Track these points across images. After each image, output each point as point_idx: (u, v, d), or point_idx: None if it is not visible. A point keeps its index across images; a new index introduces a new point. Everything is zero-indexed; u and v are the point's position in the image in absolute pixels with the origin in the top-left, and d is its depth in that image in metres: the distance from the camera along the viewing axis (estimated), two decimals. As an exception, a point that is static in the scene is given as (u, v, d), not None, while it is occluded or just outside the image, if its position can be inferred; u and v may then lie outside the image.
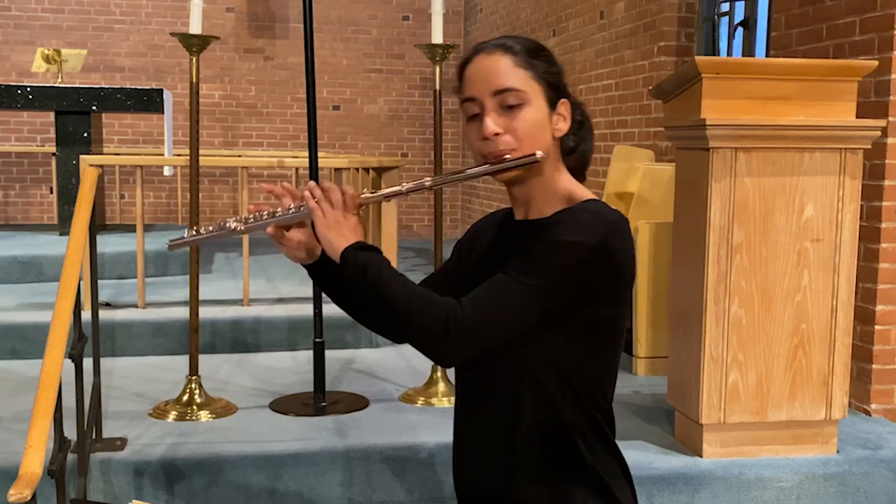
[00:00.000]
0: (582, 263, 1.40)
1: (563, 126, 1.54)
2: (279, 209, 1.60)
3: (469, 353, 1.44)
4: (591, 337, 1.49)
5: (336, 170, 5.07)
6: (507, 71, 1.49)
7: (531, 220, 1.56)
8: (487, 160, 1.51)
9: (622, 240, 1.45)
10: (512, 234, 1.59)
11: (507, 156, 1.49)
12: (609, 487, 1.53)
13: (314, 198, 1.54)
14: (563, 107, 1.54)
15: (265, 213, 1.60)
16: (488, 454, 1.55)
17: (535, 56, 1.52)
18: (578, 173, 1.60)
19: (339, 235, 1.51)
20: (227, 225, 1.62)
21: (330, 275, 1.66)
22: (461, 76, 1.56)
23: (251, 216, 1.61)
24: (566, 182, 1.56)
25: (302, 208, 1.58)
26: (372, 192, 1.60)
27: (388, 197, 1.60)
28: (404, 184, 1.57)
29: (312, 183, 1.57)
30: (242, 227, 1.60)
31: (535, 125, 1.50)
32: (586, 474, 1.51)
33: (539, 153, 1.48)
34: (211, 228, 1.65)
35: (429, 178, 1.58)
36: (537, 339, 1.45)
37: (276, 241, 1.62)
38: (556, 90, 1.53)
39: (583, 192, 1.55)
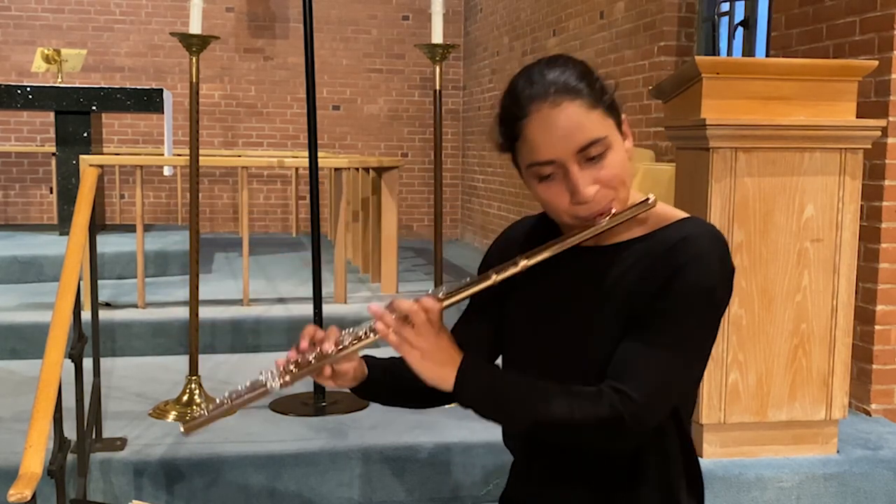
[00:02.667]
0: (722, 301, 1.35)
1: (630, 143, 1.40)
2: (328, 348, 1.35)
3: (646, 435, 1.33)
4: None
5: (336, 170, 5.06)
6: (584, 122, 1.30)
7: (609, 245, 1.40)
8: (588, 220, 1.34)
9: (730, 255, 1.37)
10: (587, 262, 1.41)
11: (613, 210, 1.33)
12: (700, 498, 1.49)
13: (388, 326, 1.30)
14: (625, 125, 1.39)
15: (310, 357, 1.36)
16: (572, 479, 1.44)
17: (593, 86, 1.33)
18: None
19: (440, 365, 1.30)
20: (270, 385, 1.36)
21: (379, 388, 1.49)
22: (519, 134, 1.33)
23: (292, 365, 1.38)
24: (634, 195, 1.41)
25: (365, 336, 1.35)
26: (451, 292, 1.34)
27: (475, 290, 1.35)
28: (494, 273, 1.34)
29: (378, 309, 1.31)
30: (288, 380, 1.36)
31: (621, 166, 1.34)
32: (677, 492, 1.45)
33: (651, 197, 1.35)
34: (242, 393, 1.36)
35: (523, 258, 1.35)
36: None
37: (326, 379, 1.40)
38: (618, 114, 1.37)
39: (665, 208, 1.41)
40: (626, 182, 1.35)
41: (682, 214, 1.40)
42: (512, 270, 1.34)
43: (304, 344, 1.37)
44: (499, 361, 1.54)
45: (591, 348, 1.36)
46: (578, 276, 1.41)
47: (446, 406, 3.19)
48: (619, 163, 1.33)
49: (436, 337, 1.30)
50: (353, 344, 1.35)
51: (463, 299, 1.36)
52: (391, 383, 1.49)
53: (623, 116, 1.39)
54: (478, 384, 1.31)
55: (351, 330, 1.37)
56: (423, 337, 1.29)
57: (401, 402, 1.56)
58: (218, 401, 1.37)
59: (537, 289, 1.46)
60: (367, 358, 1.49)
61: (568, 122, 1.30)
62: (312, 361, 1.35)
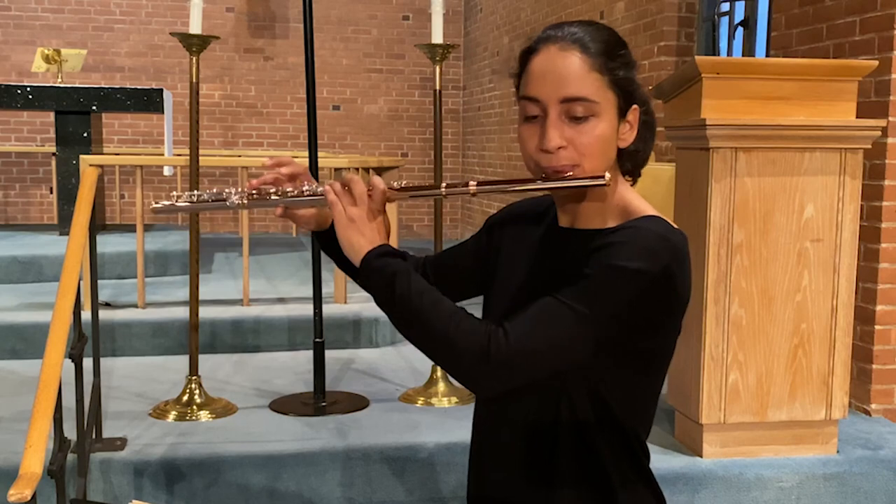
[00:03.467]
0: (643, 293, 1.27)
1: (630, 136, 1.38)
2: (289, 188, 1.46)
3: (510, 384, 1.27)
4: (640, 366, 1.37)
5: (336, 169, 5.06)
6: (580, 76, 1.31)
7: (580, 229, 1.41)
8: (544, 172, 1.34)
9: (683, 266, 1.32)
10: (557, 243, 1.43)
11: (569, 172, 1.32)
12: None
13: (334, 191, 1.38)
14: (633, 114, 1.37)
15: (272, 189, 1.47)
16: (521, 480, 1.43)
17: (613, 58, 1.33)
18: (631, 174, 1.45)
19: (359, 235, 1.35)
20: (227, 198, 1.47)
21: (334, 242, 1.53)
22: (524, 66, 1.37)
23: (254, 192, 1.47)
24: (622, 192, 1.40)
25: (317, 193, 1.45)
26: (403, 187, 1.40)
27: (421, 195, 1.41)
28: (444, 185, 1.38)
29: (330, 183, 1.41)
30: (245, 202, 1.46)
31: (602, 140, 1.33)
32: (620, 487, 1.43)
33: (607, 176, 1.31)
34: (205, 196, 1.49)
35: (474, 183, 1.37)
36: (582, 369, 1.31)
37: (285, 216, 1.51)
38: (628, 97, 1.36)
39: (640, 205, 1.39)
40: (599, 158, 1.33)
41: (652, 212, 1.38)
42: (461, 189, 1.38)
43: (269, 177, 1.49)
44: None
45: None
46: (546, 252, 1.44)
47: (446, 406, 3.16)
48: (599, 135, 1.32)
49: (368, 211, 1.36)
50: (305, 196, 1.46)
51: (410, 196, 1.41)
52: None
53: (634, 106, 1.37)
54: (379, 266, 1.32)
55: (314, 183, 1.48)
56: (357, 206, 1.36)
57: (347, 267, 1.57)
58: (185, 194, 1.51)
59: (515, 254, 1.50)
60: None
61: (566, 68, 1.31)
62: (270, 196, 1.47)
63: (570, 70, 1.31)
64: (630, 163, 1.43)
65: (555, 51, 1.33)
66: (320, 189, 1.44)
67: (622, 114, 1.36)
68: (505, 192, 1.42)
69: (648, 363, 1.38)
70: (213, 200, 1.49)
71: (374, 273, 1.32)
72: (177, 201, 1.51)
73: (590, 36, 1.33)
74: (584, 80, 1.31)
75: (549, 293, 1.29)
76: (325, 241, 1.59)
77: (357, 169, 5.72)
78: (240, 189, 1.49)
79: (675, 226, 1.36)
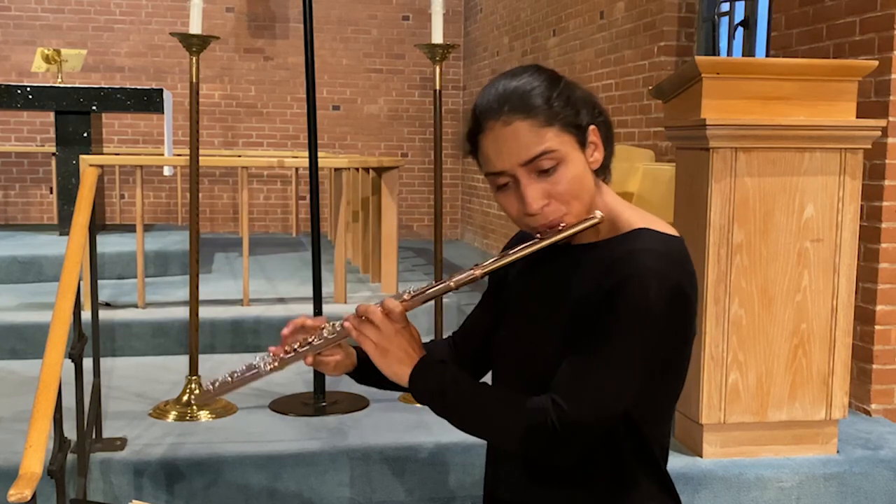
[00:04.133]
0: (664, 319, 1.33)
1: (599, 155, 1.42)
2: (312, 338, 1.48)
3: (580, 449, 1.35)
4: (663, 378, 1.41)
5: (336, 170, 5.06)
6: (533, 138, 1.34)
7: (575, 244, 1.45)
8: (538, 231, 1.39)
9: (688, 272, 1.37)
10: (555, 262, 1.47)
11: (562, 224, 1.37)
12: None
13: (354, 327, 1.42)
14: (593, 135, 1.41)
15: (297, 345, 1.49)
16: (540, 482, 1.47)
17: (552, 104, 1.36)
18: (602, 174, 1.48)
19: (398, 364, 1.41)
20: (259, 367, 1.50)
21: (372, 376, 1.56)
22: (477, 147, 1.40)
23: (282, 353, 1.49)
24: (606, 200, 1.45)
25: (338, 332, 1.47)
26: (415, 295, 1.43)
27: (434, 296, 1.44)
28: (453, 279, 1.41)
29: (349, 321, 1.44)
30: (276, 365, 1.49)
31: (578, 180, 1.37)
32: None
33: (598, 214, 1.38)
34: (237, 374, 1.52)
35: (478, 268, 1.41)
36: None
37: (315, 367, 1.53)
38: (581, 128, 1.39)
39: (627, 215, 1.43)
40: (582, 196, 1.38)
41: (639, 224, 1.41)
42: (468, 278, 1.41)
43: (286, 331, 1.51)
44: None
45: (543, 350, 1.41)
46: (547, 277, 1.48)
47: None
48: (572, 178, 1.36)
49: (395, 334, 1.40)
50: (330, 338, 1.47)
51: (422, 302, 1.44)
52: (379, 373, 1.57)
53: (592, 128, 1.40)
54: (427, 385, 1.40)
55: (333, 324, 1.49)
56: (382, 334, 1.40)
57: (394, 386, 1.59)
58: (220, 379, 1.54)
59: (521, 287, 1.54)
60: (361, 351, 1.58)
61: (515, 139, 1.34)
62: (297, 351, 1.48)
63: (520, 138, 1.34)
64: (603, 170, 1.46)
65: (499, 127, 1.36)
66: (339, 326, 1.47)
67: (583, 145, 1.39)
68: (510, 264, 1.44)
69: (671, 371, 1.42)
70: (247, 374, 1.52)
71: (424, 395, 1.41)
72: (214, 387, 1.55)
73: (523, 93, 1.36)
74: (537, 138, 1.34)
75: (557, 323, 1.38)
76: (362, 378, 1.60)
77: (357, 169, 5.72)
78: (267, 356, 1.50)
79: (669, 231, 1.39)
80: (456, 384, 1.39)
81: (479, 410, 1.37)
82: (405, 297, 1.42)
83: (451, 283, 1.41)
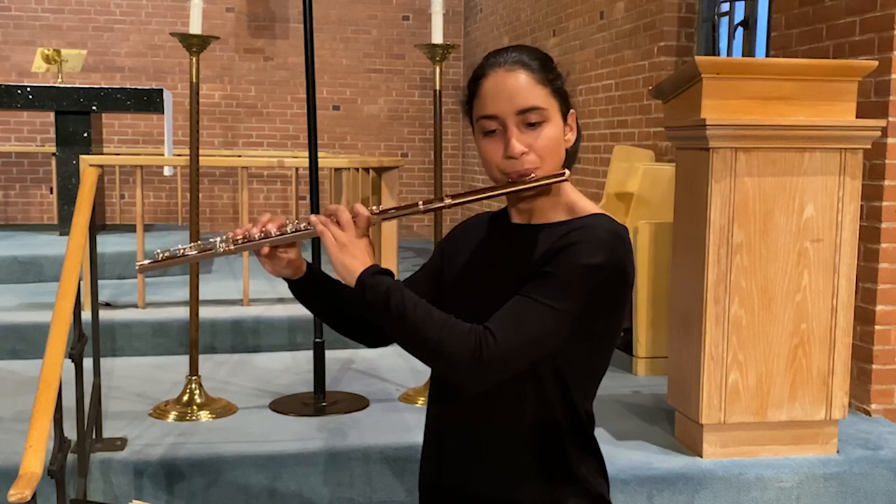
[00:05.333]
0: (606, 285, 1.44)
1: (572, 137, 1.56)
2: (272, 229, 1.56)
3: (499, 378, 1.43)
4: (596, 347, 1.52)
5: (336, 170, 5.06)
6: (529, 89, 1.49)
7: (535, 224, 1.56)
8: (510, 177, 1.50)
9: (630, 254, 1.48)
10: (515, 238, 1.58)
11: (533, 175, 1.49)
12: (595, 488, 1.56)
13: (320, 221, 1.51)
14: (572, 118, 1.56)
15: (256, 233, 1.57)
16: (483, 456, 1.55)
17: (549, 71, 1.52)
18: (568, 161, 1.60)
19: (352, 258, 1.48)
20: (214, 246, 1.57)
21: (313, 290, 1.68)
22: (477, 91, 1.53)
23: (241, 237, 1.57)
24: (566, 189, 1.57)
25: (302, 229, 1.55)
26: (383, 209, 1.54)
27: (401, 214, 1.55)
28: (421, 202, 1.53)
29: (315, 216, 1.54)
30: (232, 248, 1.56)
31: (555, 142, 1.51)
32: (577, 477, 1.53)
33: (566, 172, 1.50)
34: (190, 248, 1.59)
35: (448, 197, 1.53)
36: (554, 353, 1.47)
37: (266, 260, 1.60)
38: (566, 103, 1.54)
39: (585, 203, 1.56)
40: (555, 157, 1.51)
41: (598, 210, 1.54)
42: (437, 205, 1.52)
43: (255, 227, 1.58)
44: None
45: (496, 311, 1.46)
46: (502, 248, 1.59)
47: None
48: (552, 137, 1.50)
49: (356, 236, 1.49)
50: (291, 232, 1.56)
51: (390, 217, 1.55)
52: (322, 290, 1.68)
53: (572, 111, 1.56)
54: (375, 284, 1.45)
55: (295, 223, 1.57)
56: (345, 232, 1.49)
57: (324, 310, 1.72)
58: (170, 251, 1.60)
59: (471, 256, 1.64)
60: (312, 265, 1.69)
61: (516, 84, 1.49)
62: (256, 237, 1.56)
63: (519, 85, 1.49)
64: (568, 160, 1.58)
65: (502, 72, 1.50)
66: (303, 225, 1.55)
67: (565, 118, 1.54)
68: (478, 201, 1.55)
69: (602, 342, 1.53)
70: (200, 251, 1.59)
71: (370, 290, 1.45)
72: (161, 257, 1.59)
73: (527, 56, 1.52)
74: (532, 91, 1.49)
75: (511, 283, 1.45)
76: (298, 289, 1.68)
77: (357, 169, 5.72)
78: (225, 237, 1.57)
79: (616, 220, 1.53)
80: (401, 291, 1.44)
81: (418, 320, 1.41)
82: (373, 208, 1.52)
83: (420, 206, 1.52)
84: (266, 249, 1.58)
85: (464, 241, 1.69)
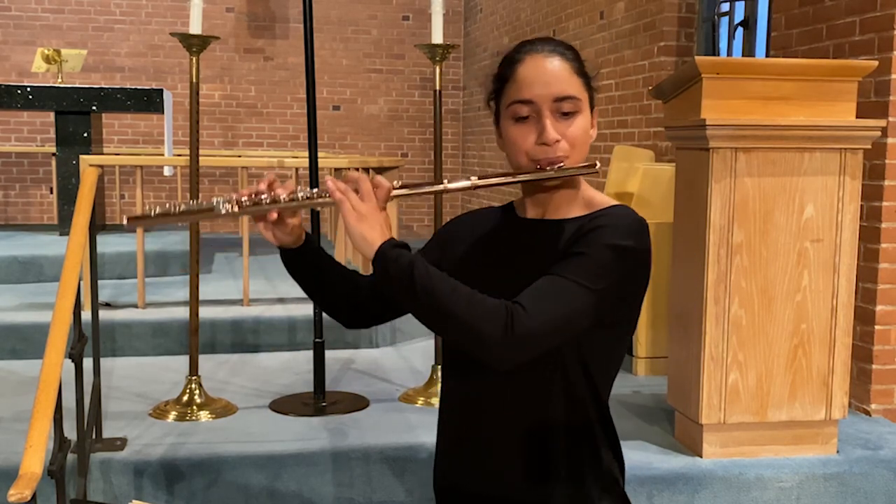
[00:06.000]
0: (633, 270, 1.43)
1: (594, 133, 1.55)
2: (281, 194, 1.46)
3: (528, 356, 1.37)
4: (616, 334, 1.50)
5: (336, 170, 5.06)
6: (567, 77, 1.47)
7: (550, 219, 1.54)
8: (539, 164, 1.47)
9: (650, 254, 1.48)
10: (527, 232, 1.55)
11: (562, 164, 1.46)
12: (618, 483, 1.55)
13: (339, 189, 1.42)
14: (595, 115, 1.55)
15: (264, 197, 1.47)
16: (510, 454, 1.50)
17: (582, 64, 1.51)
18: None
19: (371, 230, 1.39)
20: (216, 206, 1.45)
21: (307, 261, 1.61)
22: (510, 75, 1.49)
23: (245, 199, 1.47)
24: (584, 185, 1.56)
25: (316, 196, 1.45)
26: (406, 184, 1.46)
27: (425, 193, 1.47)
28: (447, 180, 1.47)
29: (332, 181, 1.45)
30: (236, 210, 1.45)
31: (586, 133, 1.50)
32: (601, 472, 1.52)
33: (597, 164, 1.48)
34: (191, 204, 1.48)
35: (475, 177, 1.48)
36: (578, 339, 1.43)
37: (270, 226, 1.51)
38: (593, 99, 1.54)
39: (603, 198, 1.55)
40: (583, 148, 1.50)
41: (616, 202, 1.53)
42: (463, 184, 1.47)
43: (262, 186, 1.49)
44: None
45: None
46: (518, 244, 1.55)
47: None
48: (583, 128, 1.49)
49: (375, 207, 1.41)
50: (304, 200, 1.46)
51: (411, 194, 1.48)
52: (316, 261, 1.61)
53: (596, 108, 1.55)
54: (397, 257, 1.38)
55: (306, 190, 1.49)
56: (364, 203, 1.41)
57: (313, 283, 1.65)
58: (167, 206, 1.50)
59: (480, 251, 1.59)
60: (309, 234, 1.60)
61: (555, 70, 1.47)
62: (264, 202, 1.47)
63: (558, 72, 1.47)
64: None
65: (540, 58, 1.48)
66: (315, 190, 1.47)
67: (592, 110, 1.53)
68: (506, 185, 1.50)
69: (622, 331, 1.52)
70: (198, 210, 1.48)
71: (392, 263, 1.37)
72: (153, 211, 1.50)
73: (563, 47, 1.51)
74: (569, 80, 1.48)
75: (529, 277, 1.40)
76: (292, 258, 1.61)
77: (357, 168, 5.72)
78: (229, 196, 1.47)
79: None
80: (425, 265, 1.37)
81: (444, 294, 1.34)
82: (395, 182, 1.46)
83: (446, 184, 1.48)
84: (274, 215, 1.48)
85: (467, 236, 1.63)
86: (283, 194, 1.47)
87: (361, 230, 1.39)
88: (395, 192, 1.45)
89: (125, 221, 1.50)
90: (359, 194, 1.41)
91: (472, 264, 1.57)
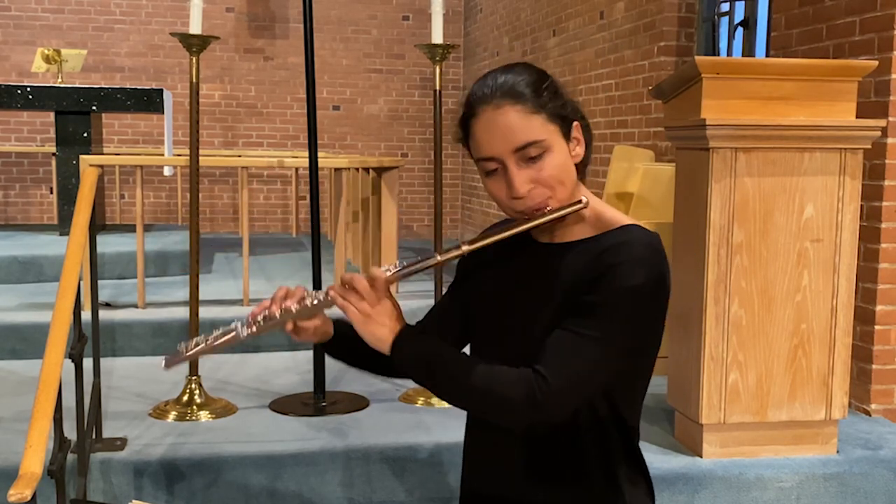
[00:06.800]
0: (649, 302, 1.41)
1: (580, 149, 1.49)
2: (292, 306, 1.50)
3: (560, 417, 1.40)
4: (641, 363, 1.50)
5: (336, 170, 5.06)
6: (522, 125, 1.41)
7: (562, 242, 1.51)
8: (525, 214, 1.45)
9: (666, 264, 1.44)
10: (543, 260, 1.51)
11: (549, 206, 1.44)
12: None
13: (340, 295, 1.45)
14: (576, 130, 1.48)
15: (276, 311, 1.51)
16: (531, 472, 1.50)
17: (541, 94, 1.43)
18: (581, 172, 1.53)
19: (380, 327, 1.43)
20: (237, 331, 1.51)
21: (345, 348, 1.63)
22: (469, 132, 1.46)
23: (261, 317, 1.51)
24: (593, 200, 1.51)
25: (323, 300, 1.49)
26: (399, 269, 1.47)
27: (419, 269, 1.48)
28: (439, 254, 1.46)
29: (334, 289, 1.47)
30: (255, 331, 1.51)
31: (561, 168, 1.44)
32: (622, 494, 1.50)
33: (584, 199, 1.45)
34: (215, 336, 1.52)
35: (466, 244, 1.46)
36: None
37: (292, 332, 1.55)
38: (566, 120, 1.46)
39: (612, 214, 1.50)
40: (566, 183, 1.45)
41: (627, 221, 1.48)
42: (454, 253, 1.46)
43: (273, 305, 1.52)
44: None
45: (534, 340, 1.43)
46: (530, 270, 1.52)
47: (446, 406, 3.13)
48: (557, 165, 1.43)
49: (377, 302, 1.44)
50: (311, 306, 1.50)
51: (407, 275, 1.48)
52: (354, 344, 1.58)
53: (575, 123, 1.48)
54: (411, 350, 1.42)
55: (314, 293, 1.51)
56: (366, 301, 1.43)
57: (363, 364, 1.67)
58: (194, 342, 1.52)
59: (497, 279, 1.58)
60: (338, 321, 1.61)
61: (506, 124, 1.41)
62: (277, 316, 1.50)
63: (510, 123, 1.41)
64: (580, 171, 1.52)
65: (490, 111, 1.42)
66: (321, 296, 1.49)
67: (567, 137, 1.47)
68: (495, 243, 1.47)
69: (647, 357, 1.50)
70: (223, 336, 1.52)
71: (407, 360, 1.43)
72: (187, 351, 1.52)
73: (515, 82, 1.43)
74: (526, 126, 1.41)
75: (543, 306, 1.42)
76: (332, 351, 1.65)
77: (357, 169, 5.72)
78: (245, 319, 1.52)
79: (649, 228, 1.48)
80: (440, 350, 1.42)
81: (464, 377, 1.38)
82: (390, 268, 1.46)
83: (438, 258, 1.46)
84: (290, 325, 1.52)
85: (490, 266, 1.61)
86: (292, 305, 1.50)
87: (371, 330, 1.44)
88: (391, 279, 1.45)
89: (163, 365, 1.53)
90: (358, 294, 1.44)
91: (495, 295, 1.57)
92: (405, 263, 1.48)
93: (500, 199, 1.46)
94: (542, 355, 1.37)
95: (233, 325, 1.52)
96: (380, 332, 1.43)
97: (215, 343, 1.51)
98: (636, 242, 1.42)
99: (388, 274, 1.45)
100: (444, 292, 1.71)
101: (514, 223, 1.47)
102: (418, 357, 1.42)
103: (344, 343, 1.61)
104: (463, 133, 1.49)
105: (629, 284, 1.37)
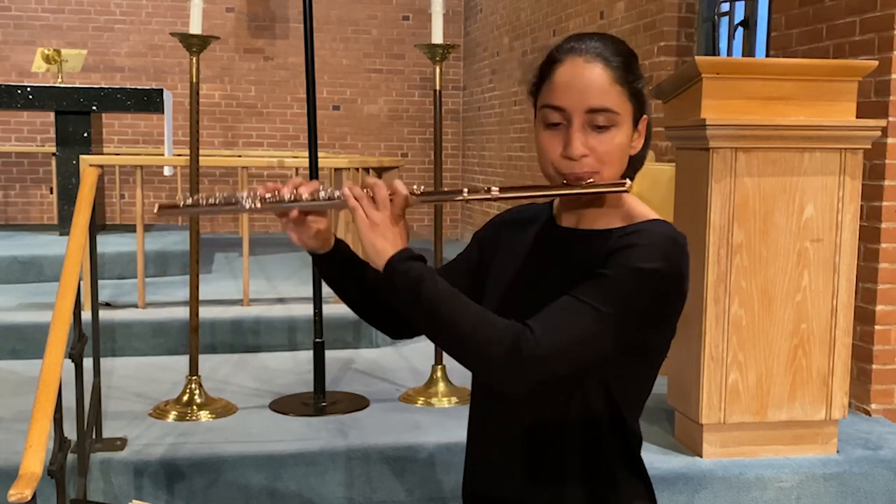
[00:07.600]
0: (660, 292, 1.34)
1: (639, 144, 1.45)
2: (304, 193, 1.43)
3: (537, 380, 1.31)
4: (645, 360, 1.43)
5: (336, 170, 5.06)
6: (605, 88, 1.37)
7: (585, 230, 1.46)
8: (565, 178, 1.39)
9: (687, 265, 1.38)
10: (561, 243, 1.47)
11: (590, 179, 1.38)
12: None
13: (354, 195, 1.38)
14: (643, 124, 1.44)
15: (286, 194, 1.43)
16: (528, 473, 1.47)
17: (631, 70, 1.40)
18: (630, 177, 1.47)
19: (383, 240, 1.36)
20: (240, 200, 1.43)
21: (339, 267, 1.56)
22: (548, 75, 1.41)
23: (268, 195, 1.43)
24: (627, 197, 1.46)
25: (335, 198, 1.41)
26: (424, 192, 1.40)
27: (443, 200, 1.43)
28: (466, 190, 1.39)
29: (349, 187, 1.40)
30: (259, 206, 1.42)
31: (620, 149, 1.40)
32: (618, 499, 1.47)
33: (628, 182, 1.38)
34: (213, 200, 1.45)
35: (496, 188, 1.39)
36: (599, 365, 1.36)
37: (293, 226, 1.48)
38: (641, 108, 1.43)
39: (643, 210, 1.45)
40: (616, 166, 1.40)
41: (656, 216, 1.44)
42: (482, 194, 1.39)
43: (285, 187, 1.45)
44: None
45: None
46: (551, 252, 1.48)
47: (446, 406, 3.12)
48: (618, 144, 1.39)
49: (390, 216, 1.37)
50: (323, 200, 1.43)
51: (432, 202, 1.43)
52: (349, 269, 1.56)
53: (644, 116, 1.44)
54: (407, 269, 1.34)
55: (329, 190, 1.44)
56: (379, 211, 1.36)
57: (351, 288, 1.59)
58: (195, 197, 1.47)
59: (516, 258, 1.53)
60: (341, 241, 1.56)
61: (591, 80, 1.37)
62: (286, 199, 1.43)
63: (595, 81, 1.37)
64: (632, 167, 1.47)
65: (580, 62, 1.38)
66: (338, 193, 1.42)
67: (635, 124, 1.43)
68: (527, 198, 1.43)
69: (652, 356, 1.44)
70: (224, 203, 1.46)
71: (400, 276, 1.34)
72: (184, 203, 1.48)
73: (610, 50, 1.40)
74: (607, 91, 1.37)
75: (560, 291, 1.33)
76: (324, 265, 1.57)
77: (357, 169, 5.72)
78: (252, 194, 1.45)
79: (675, 227, 1.42)
80: (435, 280, 1.33)
81: (450, 312, 1.30)
82: (415, 189, 1.40)
83: (465, 194, 1.40)
84: (295, 213, 1.45)
85: (506, 241, 1.56)
86: (304, 193, 1.43)
87: (373, 240, 1.36)
88: (413, 200, 1.39)
89: (156, 210, 1.49)
90: (374, 202, 1.37)
91: (511, 276, 1.52)
92: (430, 191, 1.43)
93: (549, 154, 1.40)
94: (539, 314, 1.31)
95: (237, 195, 1.44)
96: (381, 244, 1.36)
97: (216, 204, 1.45)
98: (657, 232, 1.37)
99: (412, 194, 1.39)
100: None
101: (548, 187, 1.41)
102: (410, 277, 1.32)
103: (339, 259, 1.55)
104: (538, 79, 1.43)
105: (640, 266, 1.31)
